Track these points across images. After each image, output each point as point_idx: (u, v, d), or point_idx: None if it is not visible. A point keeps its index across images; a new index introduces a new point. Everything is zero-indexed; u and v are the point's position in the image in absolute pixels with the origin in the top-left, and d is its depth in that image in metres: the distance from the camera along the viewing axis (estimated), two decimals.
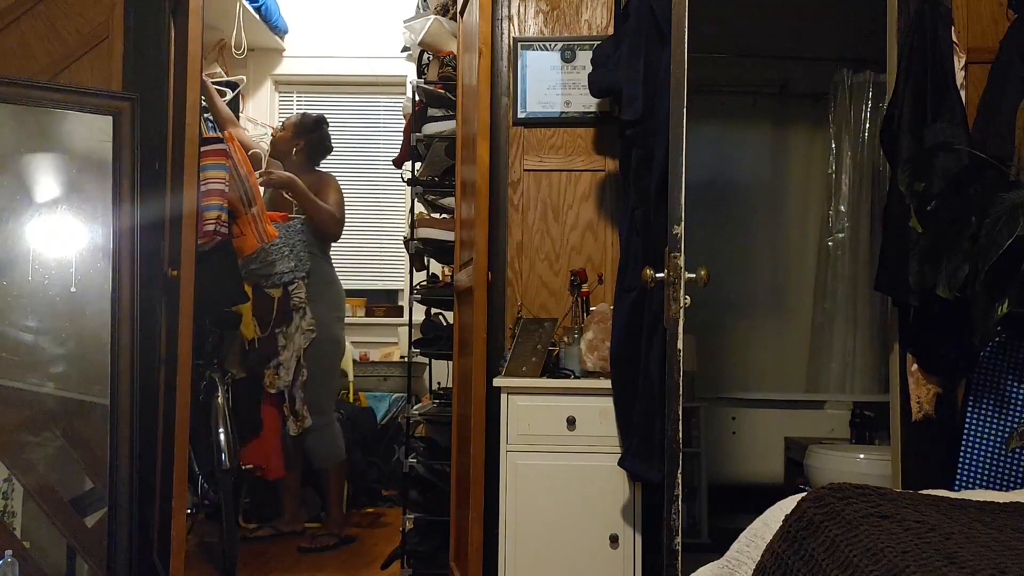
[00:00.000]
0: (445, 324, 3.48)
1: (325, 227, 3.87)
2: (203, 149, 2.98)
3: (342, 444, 3.93)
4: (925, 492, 1.69)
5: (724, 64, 4.39)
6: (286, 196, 3.90)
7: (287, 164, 3.96)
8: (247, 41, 4.54)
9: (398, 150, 4.04)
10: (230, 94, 4.22)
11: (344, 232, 4.00)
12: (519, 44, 2.97)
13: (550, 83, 2.96)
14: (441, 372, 4.18)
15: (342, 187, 4.01)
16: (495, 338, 2.83)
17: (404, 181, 3.56)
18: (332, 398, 4.03)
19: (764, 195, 4.61)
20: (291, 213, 3.90)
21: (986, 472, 2.24)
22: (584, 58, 2.92)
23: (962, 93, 2.43)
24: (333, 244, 4.01)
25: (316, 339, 3.80)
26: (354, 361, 4.84)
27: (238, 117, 4.36)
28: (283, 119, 4.23)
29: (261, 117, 5.09)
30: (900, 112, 2.38)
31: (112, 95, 2.89)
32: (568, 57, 2.96)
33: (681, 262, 1.94)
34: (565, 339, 2.81)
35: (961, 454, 2.28)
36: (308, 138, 3.99)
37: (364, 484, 4.45)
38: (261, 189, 3.91)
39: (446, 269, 3.63)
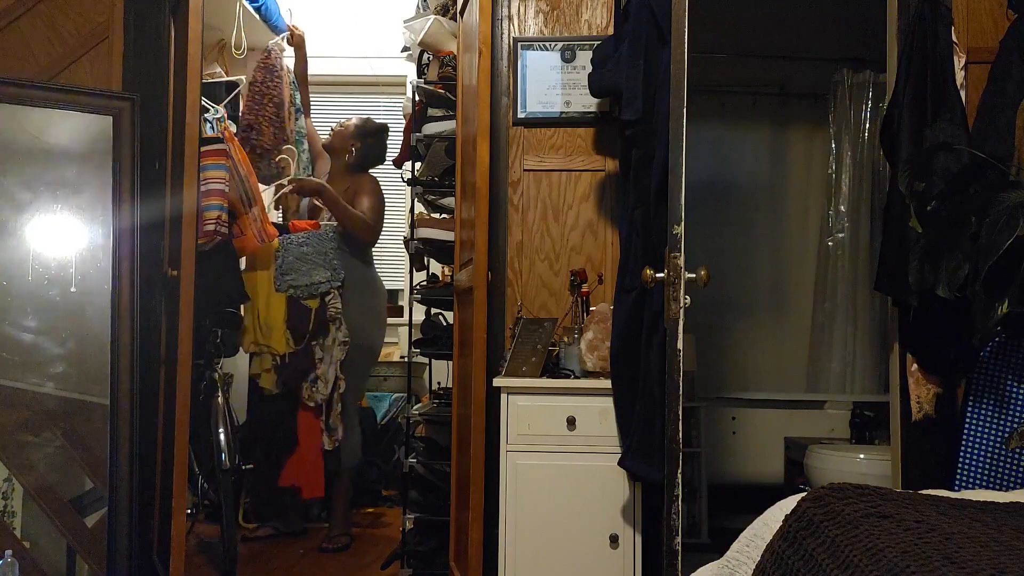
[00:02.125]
0: (445, 324, 3.48)
1: (357, 233, 3.83)
2: (203, 149, 2.98)
3: (359, 447, 3.95)
4: (925, 492, 1.69)
5: (724, 64, 4.39)
6: (316, 203, 3.87)
7: (337, 162, 3.98)
8: (247, 41, 4.53)
9: (398, 150, 4.03)
10: (283, 81, 4.19)
11: None
12: (519, 44, 2.97)
13: (550, 83, 2.96)
14: (441, 372, 4.18)
15: None
16: (495, 338, 2.83)
17: (404, 181, 3.56)
18: (357, 404, 4.03)
19: (764, 195, 4.61)
20: (324, 220, 3.86)
21: (986, 472, 2.24)
22: (584, 58, 2.92)
23: (962, 93, 2.43)
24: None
25: (350, 347, 3.78)
26: None
27: (238, 117, 4.35)
28: (346, 117, 4.23)
29: None
30: (900, 112, 2.38)
31: (112, 95, 2.89)
32: (568, 57, 2.96)
33: (681, 262, 1.94)
34: (565, 339, 2.81)
35: (961, 454, 2.28)
36: (365, 142, 3.98)
37: (364, 484, 4.45)
38: (299, 199, 4.01)
39: (446, 269, 3.63)
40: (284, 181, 3.87)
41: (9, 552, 2.25)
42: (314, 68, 5.22)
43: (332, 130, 4.07)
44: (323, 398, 3.71)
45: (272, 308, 3.72)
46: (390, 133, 4.09)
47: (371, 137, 3.99)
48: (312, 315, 3.71)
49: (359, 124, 4.00)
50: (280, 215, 4.09)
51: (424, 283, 3.50)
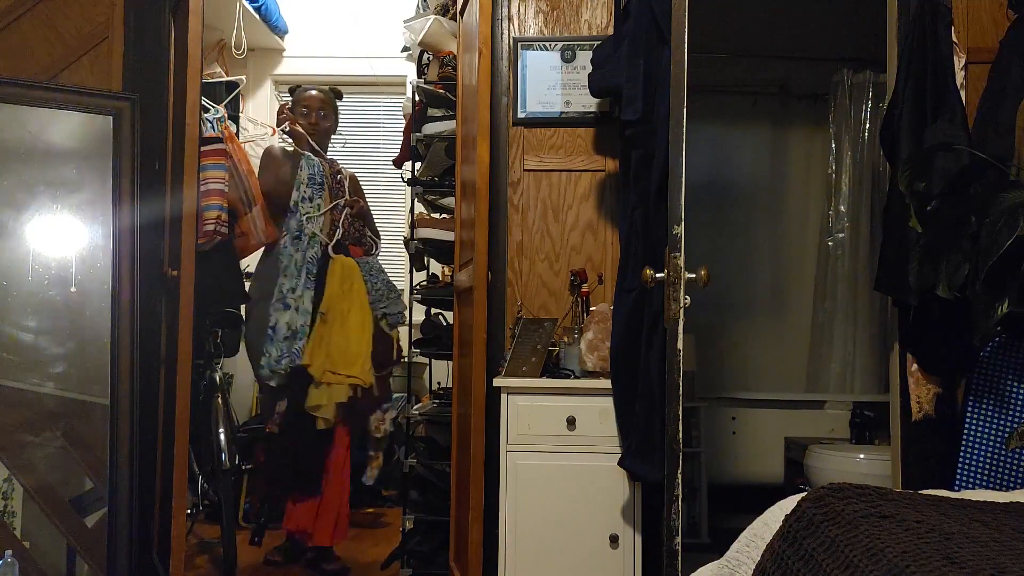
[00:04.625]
0: (445, 324, 3.48)
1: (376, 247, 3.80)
2: (203, 149, 2.98)
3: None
4: (925, 492, 1.69)
5: (724, 64, 4.39)
6: (356, 228, 3.64)
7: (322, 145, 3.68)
8: (247, 41, 4.53)
9: (398, 150, 4.03)
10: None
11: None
12: (519, 44, 2.97)
13: (550, 83, 2.96)
14: (441, 372, 4.18)
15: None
16: (495, 338, 2.83)
17: (404, 181, 3.56)
18: None
19: (764, 195, 4.61)
20: (368, 249, 3.68)
21: (986, 472, 2.24)
22: (584, 58, 2.92)
23: (962, 93, 2.43)
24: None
25: None
26: None
27: (238, 117, 4.34)
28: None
29: (261, 117, 5.08)
30: (900, 112, 2.38)
31: (112, 95, 2.89)
32: (568, 57, 2.96)
33: (681, 262, 1.94)
34: (565, 339, 2.81)
35: (961, 454, 2.28)
36: (336, 115, 3.75)
37: (364, 484, 4.45)
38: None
39: (446, 269, 3.63)
40: (341, 202, 3.58)
41: (9, 552, 2.25)
42: (314, 68, 5.24)
43: (289, 112, 3.61)
44: (389, 429, 3.56)
45: (360, 336, 3.42)
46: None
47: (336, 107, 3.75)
48: (394, 344, 3.58)
49: (331, 96, 3.69)
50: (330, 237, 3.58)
51: (424, 283, 3.50)
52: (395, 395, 4.74)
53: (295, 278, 3.38)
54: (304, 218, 3.43)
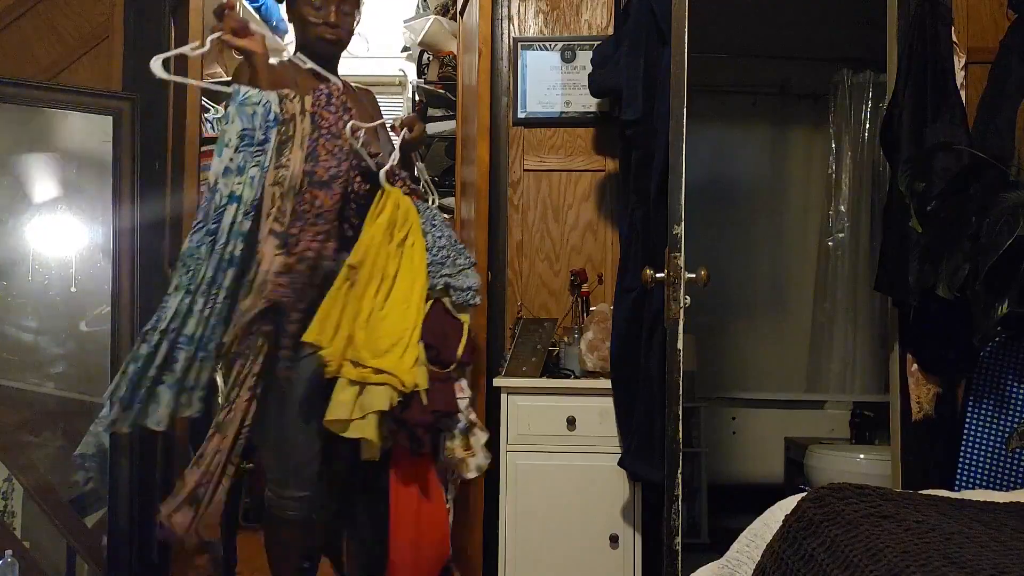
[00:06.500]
0: None
1: None
2: (203, 149, 2.98)
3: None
4: (925, 492, 1.69)
5: (724, 64, 4.39)
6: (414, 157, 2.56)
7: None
8: None
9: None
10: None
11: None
12: (519, 44, 2.97)
13: (550, 83, 2.96)
14: None
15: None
16: (495, 338, 2.83)
17: None
18: None
19: (764, 195, 4.61)
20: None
21: (986, 472, 2.24)
22: (584, 58, 2.92)
23: (962, 93, 2.43)
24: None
25: None
26: None
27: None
28: None
29: None
30: (900, 112, 2.38)
31: (112, 95, 2.89)
32: (568, 57, 2.96)
33: (681, 262, 1.93)
34: (565, 339, 2.81)
35: (961, 454, 2.28)
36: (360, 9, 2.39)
37: None
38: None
39: None
40: (396, 121, 2.51)
41: (9, 552, 2.25)
42: None
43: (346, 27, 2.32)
44: (481, 465, 2.30)
45: (405, 312, 2.16)
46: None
47: None
48: (464, 331, 2.27)
49: None
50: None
51: None
52: None
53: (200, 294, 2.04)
54: (226, 200, 2.03)
